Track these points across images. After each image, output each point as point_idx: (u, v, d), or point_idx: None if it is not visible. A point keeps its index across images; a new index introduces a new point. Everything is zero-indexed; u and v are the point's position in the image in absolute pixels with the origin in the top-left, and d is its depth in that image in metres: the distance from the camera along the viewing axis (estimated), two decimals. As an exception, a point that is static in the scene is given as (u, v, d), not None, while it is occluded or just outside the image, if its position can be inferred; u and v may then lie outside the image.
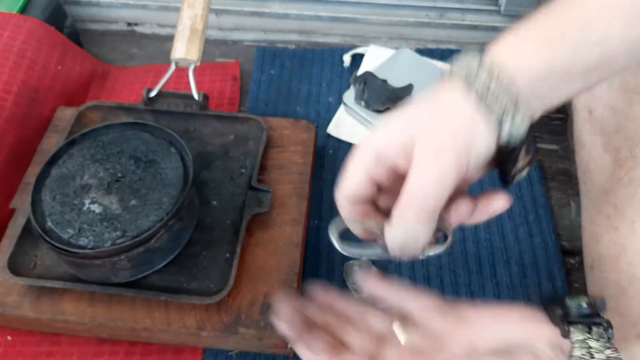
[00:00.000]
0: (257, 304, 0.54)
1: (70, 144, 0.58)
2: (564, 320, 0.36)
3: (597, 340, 0.35)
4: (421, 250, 0.37)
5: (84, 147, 0.57)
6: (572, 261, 0.65)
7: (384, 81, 0.75)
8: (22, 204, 0.59)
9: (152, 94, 0.67)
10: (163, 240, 0.53)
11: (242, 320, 0.53)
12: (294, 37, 0.89)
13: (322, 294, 0.43)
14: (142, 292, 0.53)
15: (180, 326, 0.53)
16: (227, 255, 0.57)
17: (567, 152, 0.73)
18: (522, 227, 0.66)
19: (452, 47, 0.88)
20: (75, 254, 0.50)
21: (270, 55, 0.85)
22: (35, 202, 0.53)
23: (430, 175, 0.34)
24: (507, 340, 0.38)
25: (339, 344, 0.40)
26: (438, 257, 0.62)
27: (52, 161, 0.56)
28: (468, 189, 0.39)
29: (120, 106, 0.67)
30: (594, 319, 0.36)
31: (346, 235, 0.40)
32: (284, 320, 0.39)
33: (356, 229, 0.39)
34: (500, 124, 0.34)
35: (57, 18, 0.81)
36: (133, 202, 0.53)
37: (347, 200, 0.38)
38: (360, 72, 0.77)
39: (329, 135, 0.75)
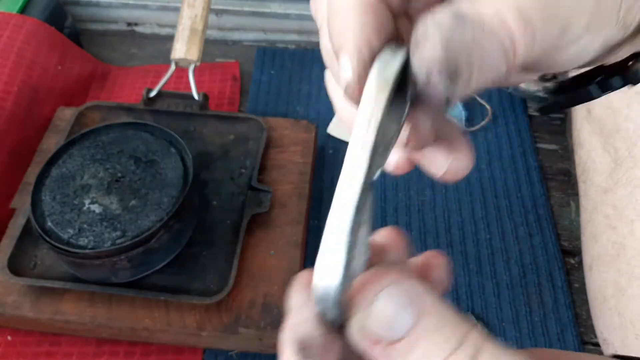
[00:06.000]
0: (257, 304, 0.54)
1: (70, 144, 0.58)
2: None
3: None
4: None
5: (84, 147, 0.57)
6: (572, 261, 0.65)
7: (384, 81, 0.75)
8: (22, 204, 0.59)
9: (152, 94, 0.67)
10: (163, 240, 0.53)
11: (242, 320, 0.53)
12: (294, 37, 0.89)
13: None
14: (142, 292, 0.53)
15: (180, 326, 0.53)
16: (227, 255, 0.57)
17: (567, 152, 0.73)
18: (522, 227, 0.66)
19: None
20: (75, 254, 0.50)
21: (270, 56, 0.85)
22: (35, 202, 0.53)
23: None
24: None
25: None
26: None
27: (52, 161, 0.56)
28: None
29: (120, 106, 0.68)
30: None
31: None
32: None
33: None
34: None
35: (57, 18, 0.81)
36: (133, 202, 0.53)
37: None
38: (360, 72, 0.77)
39: (329, 135, 0.75)
